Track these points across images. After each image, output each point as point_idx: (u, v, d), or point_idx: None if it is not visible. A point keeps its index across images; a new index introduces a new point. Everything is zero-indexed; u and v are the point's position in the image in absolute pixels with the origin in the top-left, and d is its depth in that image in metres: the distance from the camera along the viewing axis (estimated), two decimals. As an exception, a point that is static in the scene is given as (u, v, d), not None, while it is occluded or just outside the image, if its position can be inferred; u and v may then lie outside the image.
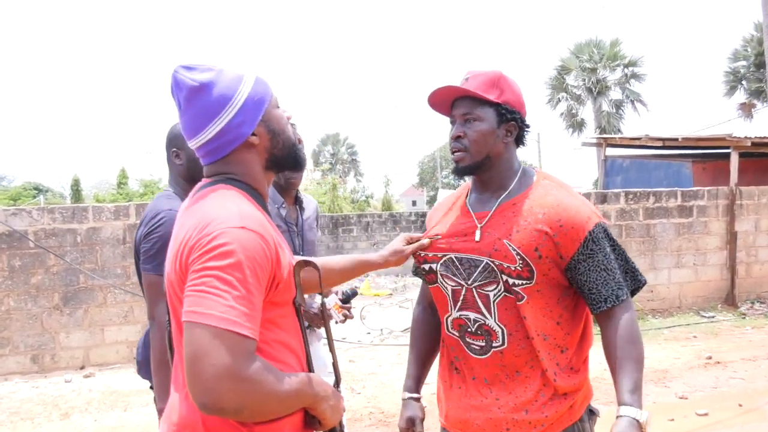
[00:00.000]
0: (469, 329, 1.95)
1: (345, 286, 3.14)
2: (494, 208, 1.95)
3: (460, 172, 1.98)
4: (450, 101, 1.99)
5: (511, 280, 1.86)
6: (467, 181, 2.15)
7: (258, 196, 1.56)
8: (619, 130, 29.13)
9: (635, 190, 9.62)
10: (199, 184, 1.59)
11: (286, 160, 1.62)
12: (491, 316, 1.90)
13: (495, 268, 1.87)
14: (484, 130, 1.91)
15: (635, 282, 1.93)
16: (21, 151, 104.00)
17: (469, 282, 1.93)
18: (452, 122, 1.99)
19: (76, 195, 27.94)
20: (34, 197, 33.48)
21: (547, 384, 1.88)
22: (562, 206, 1.86)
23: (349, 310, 2.97)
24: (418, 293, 2.30)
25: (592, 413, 2.03)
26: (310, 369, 1.60)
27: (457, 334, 1.99)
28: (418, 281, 2.26)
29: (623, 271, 1.91)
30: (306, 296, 2.95)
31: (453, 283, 1.97)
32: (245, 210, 1.42)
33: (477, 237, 1.93)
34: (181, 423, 1.44)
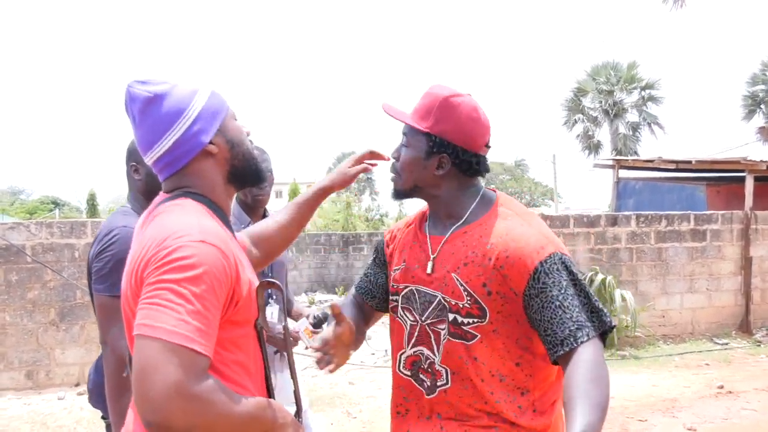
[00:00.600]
0: (422, 365, 1.80)
1: (316, 311, 3.01)
2: (447, 235, 1.79)
3: (395, 195, 1.87)
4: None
5: (460, 318, 1.69)
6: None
7: (219, 210, 1.52)
8: (635, 153, 28.96)
9: (647, 213, 9.42)
10: (157, 198, 1.54)
11: (246, 172, 1.58)
12: (437, 355, 1.75)
13: (446, 305, 1.72)
14: (410, 158, 1.78)
15: (601, 324, 1.60)
16: (40, 166, 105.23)
17: (422, 318, 1.78)
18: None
19: (91, 209, 28.08)
20: (50, 211, 33.73)
21: (501, 422, 1.68)
22: (510, 236, 1.67)
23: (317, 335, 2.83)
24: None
25: None
26: (270, 394, 1.54)
27: (408, 373, 1.83)
28: None
29: (587, 310, 1.60)
30: (269, 319, 2.81)
31: (411, 318, 1.83)
32: (205, 224, 1.38)
33: (429, 269, 1.78)
34: None
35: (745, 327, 9.48)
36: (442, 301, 1.73)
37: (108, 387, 2.21)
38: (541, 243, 1.65)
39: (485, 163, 1.81)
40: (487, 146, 1.80)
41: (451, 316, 1.70)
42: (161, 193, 1.56)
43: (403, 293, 1.85)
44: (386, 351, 8.98)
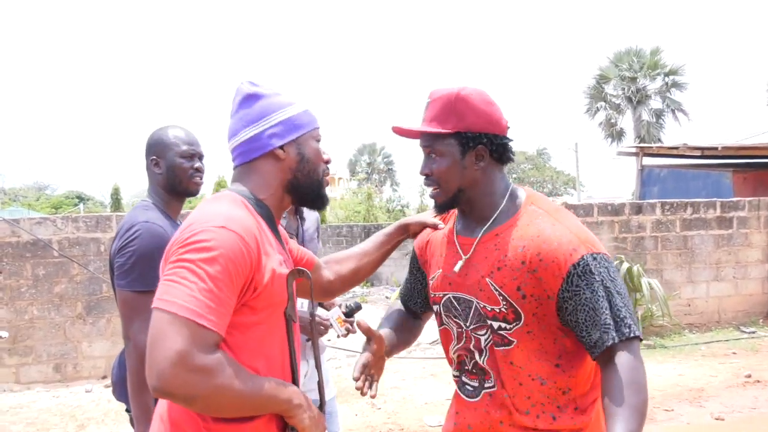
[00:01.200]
0: (466, 366, 1.82)
1: (350, 300, 3.03)
2: (479, 237, 1.77)
3: (438, 208, 1.83)
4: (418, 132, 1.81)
5: (496, 324, 1.69)
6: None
7: (265, 208, 1.61)
8: (659, 140, 28.68)
9: (672, 200, 9.32)
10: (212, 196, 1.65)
11: (306, 189, 1.67)
12: (482, 357, 1.76)
13: (481, 311, 1.72)
14: (448, 166, 1.74)
15: (627, 329, 1.56)
16: (65, 161, 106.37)
17: (467, 325, 1.78)
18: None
19: (115, 204, 28.36)
20: (75, 205, 34.13)
21: (537, 428, 1.69)
22: (542, 238, 1.66)
23: (352, 324, 2.85)
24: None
25: None
26: (294, 381, 1.60)
27: (457, 373, 1.86)
28: None
29: (617, 315, 1.58)
30: (299, 308, 2.82)
31: (456, 326, 1.83)
32: (233, 213, 1.46)
33: (457, 268, 1.78)
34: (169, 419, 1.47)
35: (772, 315, 9.36)
36: (478, 307, 1.73)
37: (130, 381, 2.23)
38: (573, 245, 1.63)
39: (512, 149, 1.81)
40: (508, 126, 1.79)
41: (489, 323, 1.71)
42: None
43: (442, 302, 1.84)
44: (409, 342, 8.97)
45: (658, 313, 8.40)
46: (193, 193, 2.51)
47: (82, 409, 5.95)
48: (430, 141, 1.75)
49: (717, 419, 5.30)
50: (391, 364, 7.67)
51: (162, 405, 1.53)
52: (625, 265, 8.26)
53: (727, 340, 8.35)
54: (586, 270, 1.59)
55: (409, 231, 2.07)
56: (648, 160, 14.96)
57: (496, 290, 1.68)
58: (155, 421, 1.54)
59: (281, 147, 1.61)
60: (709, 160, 13.87)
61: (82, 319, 6.94)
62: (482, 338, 1.74)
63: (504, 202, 1.77)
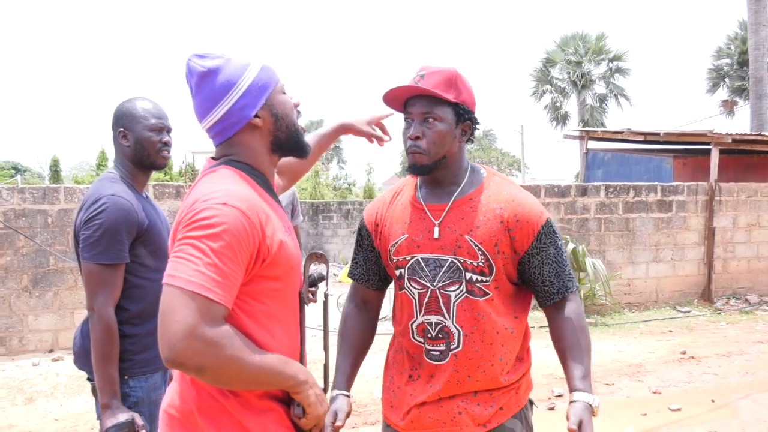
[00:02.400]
0: (429, 335, 1.94)
1: (314, 270, 3.08)
2: (450, 203, 1.94)
3: (418, 171, 1.95)
4: (404, 98, 1.95)
5: (474, 277, 1.88)
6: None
7: (260, 176, 1.64)
8: (602, 124, 29.25)
9: (615, 183, 9.61)
10: (205, 165, 1.68)
11: (288, 143, 1.70)
12: (450, 317, 1.91)
13: (459, 266, 1.89)
14: (444, 131, 1.89)
15: (576, 282, 1.99)
16: (0, 130, 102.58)
17: (434, 283, 1.92)
18: (408, 119, 1.94)
19: (54, 176, 27.52)
20: (12, 177, 33.03)
21: (496, 380, 1.92)
22: (517, 201, 1.92)
23: (314, 294, 2.94)
24: (349, 292, 2.23)
25: (531, 403, 2.07)
26: (303, 361, 1.66)
27: (421, 340, 1.97)
28: None
29: (568, 267, 1.97)
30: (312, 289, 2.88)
31: (419, 287, 1.95)
32: (233, 189, 1.50)
33: (436, 234, 1.92)
34: (180, 410, 1.54)
35: (706, 295, 9.79)
36: (456, 262, 1.89)
37: (94, 353, 2.23)
38: (540, 209, 1.93)
39: None
40: None
41: (467, 275, 1.88)
42: (208, 159, 1.69)
43: (408, 265, 1.96)
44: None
45: (600, 293, 8.70)
46: (161, 166, 2.50)
47: (29, 382, 5.88)
48: (430, 106, 1.89)
49: (654, 393, 5.57)
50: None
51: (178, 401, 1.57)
52: (571, 246, 8.50)
53: (664, 319, 8.72)
54: (550, 230, 1.92)
55: (349, 133, 2.24)
56: (593, 144, 15.28)
57: (476, 246, 1.87)
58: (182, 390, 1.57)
59: (256, 115, 1.60)
60: (651, 146, 14.29)
61: (28, 292, 6.82)
62: (452, 293, 1.90)
63: (468, 174, 2.00)
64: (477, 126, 1.98)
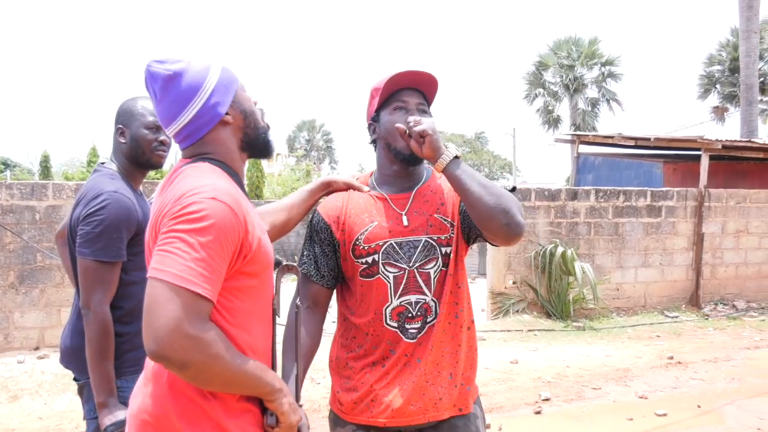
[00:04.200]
0: (409, 314, 1.99)
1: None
2: (413, 192, 2.08)
3: (416, 161, 2.07)
4: (399, 87, 2.05)
5: (445, 249, 2.01)
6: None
7: (234, 174, 1.65)
8: (593, 128, 29.35)
9: (606, 188, 9.64)
10: (177, 164, 1.67)
11: (257, 140, 1.72)
12: (430, 293, 2.00)
13: (434, 243, 2.00)
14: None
15: None
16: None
17: (411, 264, 1.99)
18: (399, 108, 2.05)
19: (44, 172, 27.42)
20: (1, 172, 32.86)
21: (467, 350, 2.04)
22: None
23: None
24: (295, 293, 2.03)
25: None
26: (274, 362, 1.67)
27: (395, 325, 2.00)
28: None
29: None
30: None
31: (395, 270, 2.00)
32: (218, 184, 1.50)
33: (405, 222, 2.02)
34: (154, 415, 1.51)
35: (694, 301, 9.83)
36: (429, 241, 2.01)
37: (90, 351, 2.22)
38: None
39: None
40: None
41: (442, 250, 2.01)
42: (181, 159, 1.67)
43: (382, 249, 2.01)
44: (347, 319, 9.05)
45: (588, 297, 8.73)
46: (156, 165, 2.49)
47: (14, 380, 5.84)
48: (423, 99, 2.11)
49: (641, 397, 5.58)
50: (328, 340, 7.71)
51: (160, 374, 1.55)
52: (560, 249, 8.52)
53: (651, 324, 8.75)
54: None
55: (331, 187, 2.19)
56: (584, 148, 15.35)
57: (446, 221, 2.03)
58: (149, 385, 1.56)
59: (226, 113, 1.63)
60: (641, 151, 14.35)
61: (14, 289, 6.78)
62: (431, 271, 2.00)
63: (425, 171, 2.16)
64: None
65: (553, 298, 8.78)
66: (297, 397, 1.77)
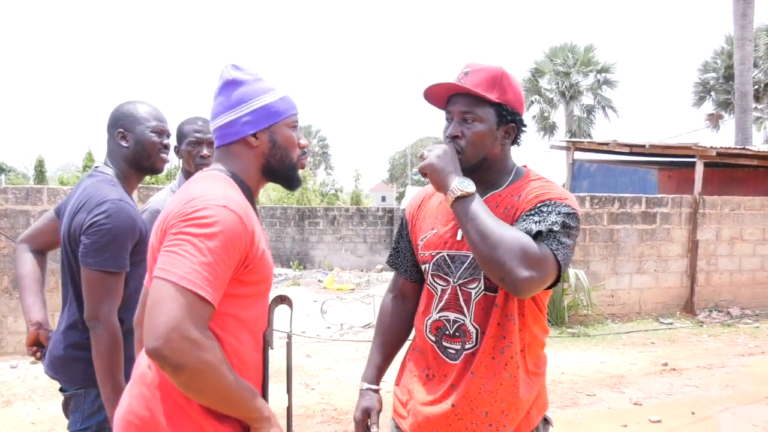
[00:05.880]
0: (447, 332, 1.90)
1: None
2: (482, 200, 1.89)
3: (471, 170, 1.89)
4: (446, 95, 1.91)
5: None
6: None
7: (247, 190, 1.70)
8: (589, 135, 29.40)
9: (600, 194, 9.64)
10: (198, 172, 1.73)
11: (279, 173, 1.77)
12: (468, 315, 1.86)
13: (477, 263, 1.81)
14: (483, 132, 1.85)
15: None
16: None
17: (455, 280, 1.89)
18: (448, 118, 1.90)
19: (39, 176, 27.30)
20: (-4, 177, 32.73)
21: (508, 393, 1.83)
22: (536, 192, 1.83)
23: None
24: (391, 281, 2.22)
25: (546, 422, 1.98)
26: (264, 391, 1.68)
27: (434, 339, 1.94)
28: (383, 276, 2.27)
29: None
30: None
31: (443, 283, 1.92)
32: (230, 194, 1.55)
33: (459, 236, 1.89)
34: (141, 417, 1.52)
35: (689, 308, 9.83)
36: (474, 260, 1.82)
37: (101, 365, 2.16)
38: (560, 194, 1.81)
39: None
40: None
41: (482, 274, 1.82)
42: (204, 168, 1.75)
43: (434, 260, 1.94)
44: (341, 325, 9.07)
45: (583, 303, 8.73)
46: (160, 170, 2.48)
47: (7, 385, 5.81)
48: (471, 105, 1.84)
49: (635, 404, 5.58)
50: (323, 346, 7.76)
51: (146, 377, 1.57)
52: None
53: (646, 330, 8.75)
54: (548, 203, 1.77)
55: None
56: (579, 155, 15.39)
57: None
58: (138, 388, 1.57)
59: (254, 135, 1.69)
60: (636, 157, 14.39)
61: (8, 294, 6.75)
62: (473, 291, 1.85)
63: (511, 177, 1.93)
64: (524, 128, 1.94)
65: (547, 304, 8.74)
66: (288, 428, 1.78)
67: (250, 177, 1.73)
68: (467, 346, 1.86)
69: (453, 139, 1.86)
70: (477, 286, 1.84)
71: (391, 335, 2.14)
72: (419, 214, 2.07)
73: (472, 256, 1.82)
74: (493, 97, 1.83)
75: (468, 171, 1.85)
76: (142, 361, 1.60)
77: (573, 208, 1.79)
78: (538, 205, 1.77)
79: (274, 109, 1.71)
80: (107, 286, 2.20)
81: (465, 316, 1.86)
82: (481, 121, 1.84)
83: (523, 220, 1.75)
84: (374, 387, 2.09)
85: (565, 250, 1.74)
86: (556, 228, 1.72)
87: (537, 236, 1.70)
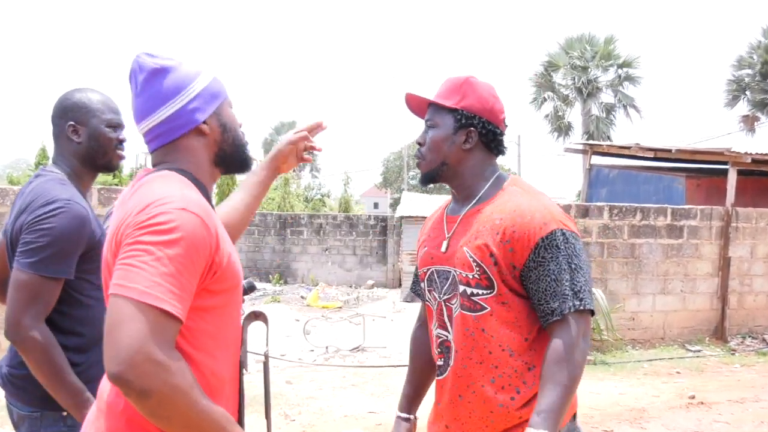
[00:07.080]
0: (438, 348, 2.13)
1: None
2: (462, 214, 2.11)
3: (421, 179, 2.21)
4: (425, 107, 2.17)
5: (469, 290, 1.99)
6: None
7: (201, 186, 1.69)
8: (608, 137, 29.42)
9: (621, 204, 9.68)
10: (140, 173, 1.70)
11: (233, 157, 1.78)
12: (450, 331, 2.06)
13: (456, 278, 2.03)
14: (438, 137, 2.09)
15: (581, 303, 1.91)
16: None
17: (440, 296, 2.11)
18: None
19: (-14, 175, 27.25)
20: (-63, 174, 32.65)
21: (489, 403, 1.97)
22: (518, 212, 1.97)
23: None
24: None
25: (574, 418, 2.09)
26: (240, 414, 1.70)
27: (438, 352, 2.13)
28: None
29: (574, 288, 1.92)
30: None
31: (434, 299, 2.16)
32: (188, 194, 1.54)
33: (443, 248, 2.11)
34: None
35: (719, 333, 9.85)
36: (453, 274, 2.04)
37: (44, 374, 2.12)
38: (545, 219, 1.95)
39: (503, 142, 2.16)
40: (505, 124, 2.15)
41: (461, 288, 2.01)
42: (144, 169, 1.70)
43: (426, 277, 2.19)
44: (326, 348, 9.04)
45: (600, 327, 8.72)
46: (116, 167, 2.46)
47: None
48: (432, 113, 2.13)
49: (658, 442, 5.58)
50: (306, 372, 7.75)
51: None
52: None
53: (671, 359, 8.76)
54: (553, 244, 1.93)
55: (281, 170, 2.25)
56: (597, 159, 15.42)
57: (471, 257, 1.99)
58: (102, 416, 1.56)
59: (204, 122, 1.68)
60: (661, 163, 14.42)
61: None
62: (453, 307, 2.06)
63: (488, 185, 2.12)
64: (495, 133, 2.11)
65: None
66: None
67: (204, 172, 1.72)
68: (450, 363, 2.06)
69: (418, 146, 2.16)
70: (456, 301, 2.04)
71: (420, 362, 2.36)
72: (422, 237, 2.30)
73: (451, 271, 2.05)
74: (449, 103, 2.08)
75: (432, 176, 2.14)
76: (108, 390, 1.57)
77: (566, 230, 1.96)
78: (538, 250, 1.93)
79: (214, 90, 1.72)
80: (38, 291, 2.14)
81: (448, 332, 2.08)
82: (438, 127, 2.10)
83: (537, 281, 1.93)
84: (404, 415, 2.32)
85: (586, 286, 1.94)
86: (576, 288, 1.91)
87: (561, 309, 1.91)
